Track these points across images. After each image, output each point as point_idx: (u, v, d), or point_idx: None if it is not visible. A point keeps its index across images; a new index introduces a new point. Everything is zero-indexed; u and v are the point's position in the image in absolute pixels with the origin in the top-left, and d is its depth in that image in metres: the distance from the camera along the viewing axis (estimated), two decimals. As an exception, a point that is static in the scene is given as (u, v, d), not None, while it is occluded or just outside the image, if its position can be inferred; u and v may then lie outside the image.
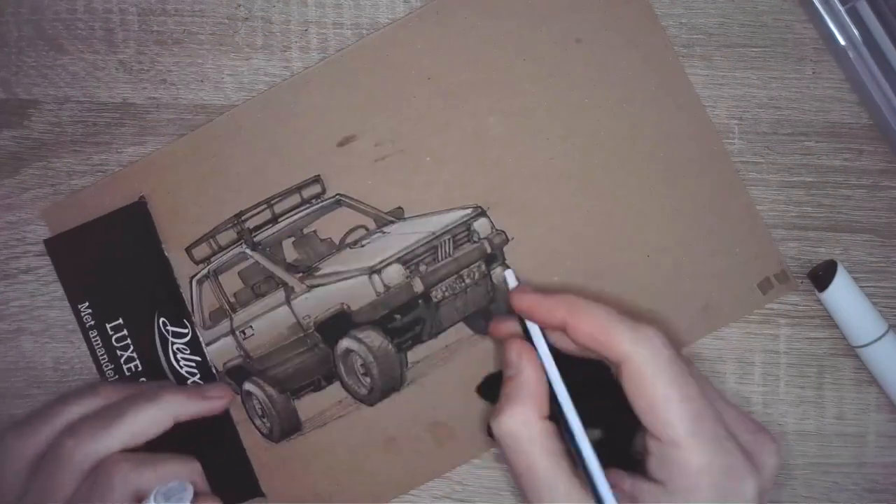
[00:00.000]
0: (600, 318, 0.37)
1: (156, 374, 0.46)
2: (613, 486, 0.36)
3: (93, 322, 0.46)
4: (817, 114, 0.46)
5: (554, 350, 0.39)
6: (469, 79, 0.45)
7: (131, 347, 0.45)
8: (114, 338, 0.45)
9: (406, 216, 0.46)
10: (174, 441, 0.42)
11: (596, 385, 0.38)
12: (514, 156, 0.46)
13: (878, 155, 0.46)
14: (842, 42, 0.44)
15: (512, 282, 0.41)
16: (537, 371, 0.38)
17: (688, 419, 0.35)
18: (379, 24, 0.46)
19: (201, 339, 0.46)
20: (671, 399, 0.35)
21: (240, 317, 0.46)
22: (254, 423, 0.46)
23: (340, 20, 0.46)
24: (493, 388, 0.42)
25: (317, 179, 0.46)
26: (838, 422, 0.46)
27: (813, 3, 0.45)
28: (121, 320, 0.46)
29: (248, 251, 0.46)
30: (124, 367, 0.45)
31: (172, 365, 0.45)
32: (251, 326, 0.46)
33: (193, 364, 0.45)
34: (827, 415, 0.46)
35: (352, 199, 0.46)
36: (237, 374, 0.46)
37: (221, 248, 0.46)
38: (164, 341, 0.45)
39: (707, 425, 0.35)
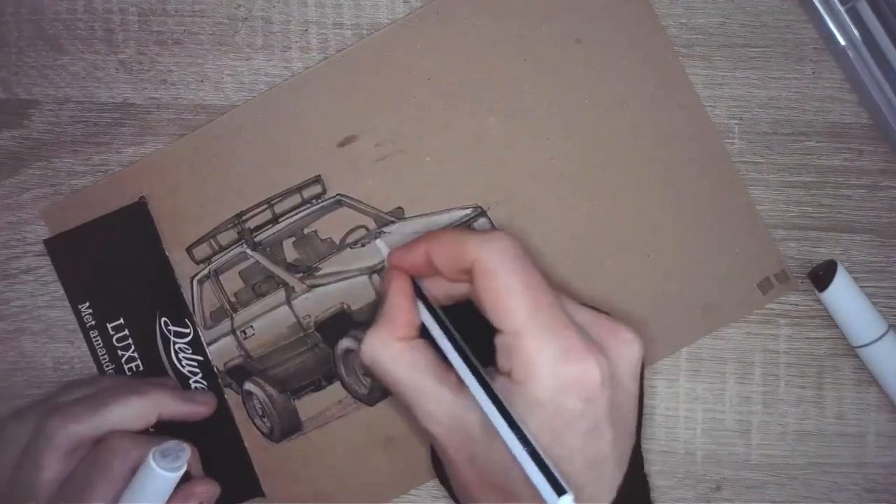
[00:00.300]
0: (453, 235, 0.37)
1: (157, 374, 0.46)
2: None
3: (93, 322, 0.46)
4: (817, 114, 0.46)
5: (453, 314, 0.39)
6: (469, 79, 0.45)
7: (132, 347, 0.45)
8: (115, 338, 0.46)
9: (406, 216, 0.46)
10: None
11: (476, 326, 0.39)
12: (514, 156, 0.46)
13: (878, 155, 0.46)
14: (842, 42, 0.44)
15: (385, 250, 0.41)
16: (399, 296, 0.38)
17: (526, 307, 0.35)
18: (379, 25, 0.46)
19: (202, 338, 0.46)
20: (512, 289, 0.35)
21: (240, 316, 0.46)
22: (254, 423, 0.46)
23: (340, 20, 0.46)
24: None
25: (317, 179, 0.46)
26: (838, 422, 0.46)
27: (813, 3, 0.45)
28: (122, 320, 0.46)
29: (248, 251, 0.46)
30: (125, 366, 0.46)
31: (174, 364, 0.45)
32: (252, 326, 0.46)
33: (195, 363, 0.45)
34: (827, 415, 0.46)
35: (352, 199, 0.46)
36: (237, 374, 0.46)
37: (222, 248, 0.46)
38: (166, 341, 0.45)
39: (544, 312, 0.35)
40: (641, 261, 0.46)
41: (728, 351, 0.46)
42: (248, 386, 0.46)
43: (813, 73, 0.46)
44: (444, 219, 0.45)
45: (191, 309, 0.46)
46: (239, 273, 0.46)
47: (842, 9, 0.44)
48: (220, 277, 0.46)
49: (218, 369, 0.46)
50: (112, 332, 0.46)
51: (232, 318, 0.46)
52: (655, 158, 0.46)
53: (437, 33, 0.45)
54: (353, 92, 0.45)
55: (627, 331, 0.38)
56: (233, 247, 0.46)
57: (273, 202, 0.46)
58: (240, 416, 0.46)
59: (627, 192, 0.46)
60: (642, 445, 0.45)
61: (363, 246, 0.45)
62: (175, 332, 0.45)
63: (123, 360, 0.45)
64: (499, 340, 0.36)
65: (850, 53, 0.44)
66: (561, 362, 0.35)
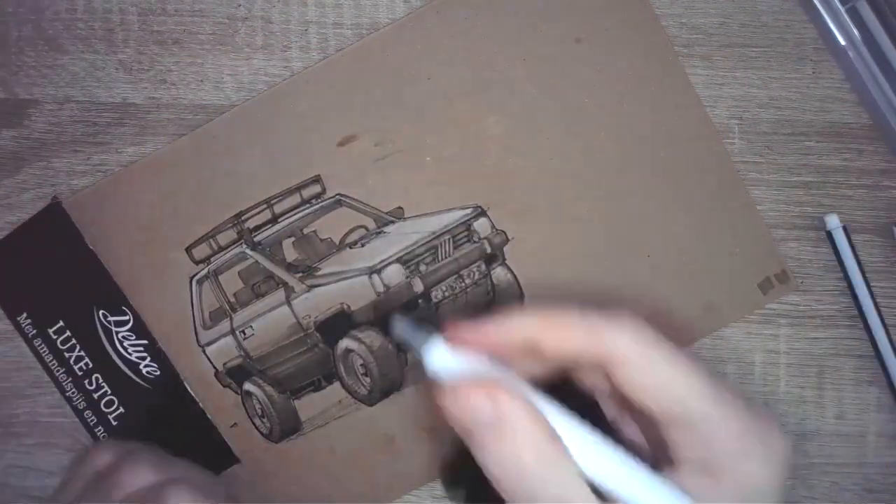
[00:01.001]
0: (573, 322, 0.32)
1: (107, 368, 0.45)
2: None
3: (34, 331, 0.45)
4: (817, 114, 0.46)
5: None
6: (469, 79, 0.45)
7: (78, 347, 0.45)
8: (58, 341, 0.45)
9: (406, 216, 0.46)
10: (141, 430, 0.44)
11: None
12: (514, 156, 0.46)
13: (878, 155, 0.46)
14: (842, 42, 0.44)
15: (431, 347, 0.32)
16: (526, 411, 0.31)
17: (704, 390, 0.31)
18: (379, 24, 0.46)
19: (200, 339, 0.46)
20: (679, 377, 0.31)
21: (240, 317, 0.46)
22: (254, 424, 0.46)
23: (340, 20, 0.46)
24: (461, 476, 0.39)
25: (317, 179, 0.46)
26: (838, 422, 0.46)
27: (813, 3, 0.45)
28: (61, 323, 0.45)
29: (248, 251, 0.46)
30: (75, 367, 0.45)
31: (121, 354, 0.45)
32: (251, 326, 0.46)
33: (142, 348, 0.45)
34: (827, 415, 0.46)
35: (352, 199, 0.46)
36: (237, 374, 0.46)
37: (221, 248, 0.46)
38: (108, 333, 0.45)
39: (720, 389, 0.32)
40: (642, 261, 0.46)
41: (728, 351, 0.46)
42: (248, 386, 0.46)
43: (813, 73, 0.46)
44: (445, 219, 0.45)
45: (190, 310, 0.46)
46: (238, 273, 0.46)
47: (842, 9, 0.44)
48: (220, 277, 0.46)
49: (217, 370, 0.46)
50: (54, 337, 0.45)
51: (231, 319, 0.46)
52: (655, 158, 0.46)
53: (437, 33, 0.45)
54: (353, 92, 0.45)
55: (774, 423, 0.34)
56: (232, 247, 0.46)
57: (272, 202, 0.46)
58: (239, 416, 0.46)
59: (627, 192, 0.46)
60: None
61: (363, 246, 0.45)
62: (115, 321, 0.45)
63: (71, 360, 0.45)
64: (670, 433, 0.32)
65: (850, 53, 0.44)
66: (768, 439, 0.32)
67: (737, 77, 0.46)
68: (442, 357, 0.31)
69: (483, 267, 0.46)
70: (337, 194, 0.46)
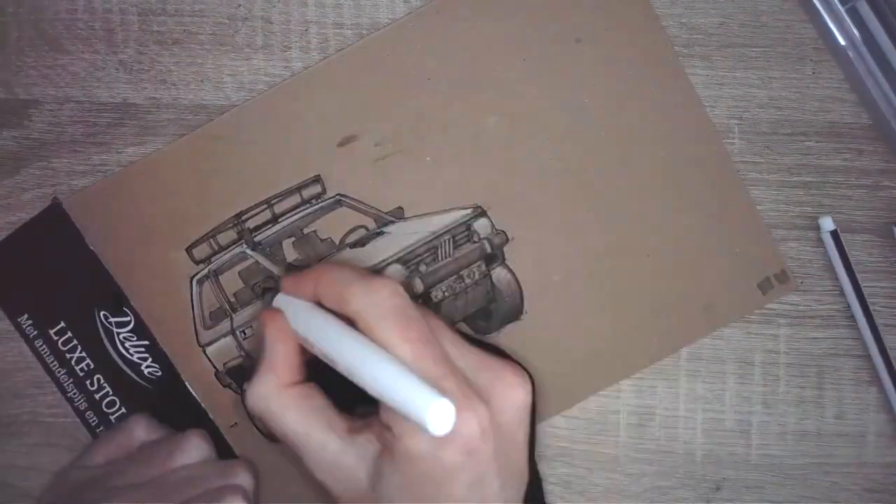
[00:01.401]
0: (339, 279, 0.38)
1: (108, 369, 0.45)
2: (367, 427, 0.37)
3: (35, 332, 0.45)
4: (817, 114, 0.46)
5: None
6: (469, 79, 0.45)
7: (79, 348, 0.45)
8: (59, 342, 0.45)
9: (406, 216, 0.46)
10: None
11: None
12: (514, 156, 0.46)
13: (878, 155, 0.46)
14: (842, 42, 0.44)
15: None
16: (279, 341, 0.39)
17: (405, 361, 0.35)
18: (379, 24, 0.46)
19: (200, 339, 0.46)
20: (390, 343, 0.35)
21: (240, 317, 0.46)
22: (253, 423, 0.46)
23: (340, 20, 0.46)
24: None
25: (317, 179, 0.46)
26: (838, 422, 0.46)
27: (813, 3, 0.45)
28: (62, 324, 0.45)
29: (248, 251, 0.46)
30: (76, 368, 0.45)
31: (123, 355, 0.45)
32: (251, 326, 0.46)
33: (143, 348, 0.45)
34: (827, 415, 0.46)
35: (352, 199, 0.46)
36: (237, 374, 0.46)
37: (222, 248, 0.46)
38: (109, 333, 0.45)
39: (423, 365, 0.35)
40: (641, 261, 0.46)
41: (728, 351, 0.46)
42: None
43: (813, 73, 0.46)
44: (445, 219, 0.45)
45: (191, 311, 0.46)
46: (238, 273, 0.46)
47: (842, 9, 0.44)
48: (220, 277, 0.46)
49: (217, 370, 0.46)
50: (56, 338, 0.45)
51: (231, 319, 0.46)
52: (655, 158, 0.46)
53: (437, 33, 0.45)
54: (353, 92, 0.45)
55: (514, 374, 0.38)
56: (232, 247, 0.46)
57: (273, 202, 0.46)
58: (240, 416, 0.46)
59: (627, 192, 0.46)
60: (635, 446, 0.46)
61: (363, 246, 0.45)
62: (116, 322, 0.45)
63: (73, 361, 0.45)
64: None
65: (850, 53, 0.44)
66: (501, 379, 0.35)
67: (737, 77, 0.46)
68: (279, 299, 0.41)
69: (483, 267, 0.46)
70: (337, 194, 0.46)
